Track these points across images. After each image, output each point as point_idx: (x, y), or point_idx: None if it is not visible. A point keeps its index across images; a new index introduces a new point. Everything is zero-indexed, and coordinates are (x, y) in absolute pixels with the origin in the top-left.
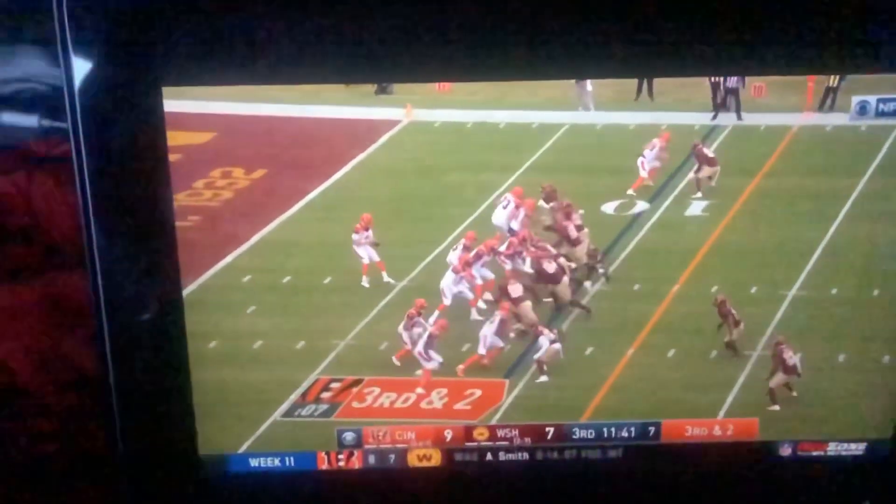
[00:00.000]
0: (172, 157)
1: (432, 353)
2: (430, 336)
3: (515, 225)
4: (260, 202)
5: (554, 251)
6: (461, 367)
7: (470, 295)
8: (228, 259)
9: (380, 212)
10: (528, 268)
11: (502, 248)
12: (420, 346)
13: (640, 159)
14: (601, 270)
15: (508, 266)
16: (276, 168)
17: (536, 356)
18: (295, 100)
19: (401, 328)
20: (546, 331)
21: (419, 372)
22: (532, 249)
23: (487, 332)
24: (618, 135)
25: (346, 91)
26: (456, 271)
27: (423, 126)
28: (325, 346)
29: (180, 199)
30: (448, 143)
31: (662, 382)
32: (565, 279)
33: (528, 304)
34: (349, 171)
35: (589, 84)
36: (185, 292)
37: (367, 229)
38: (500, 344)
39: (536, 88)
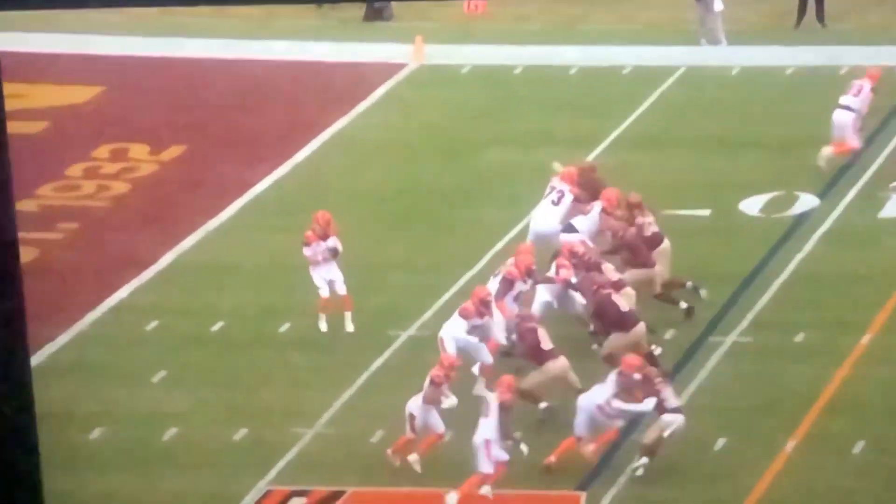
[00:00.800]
0: (26, 127)
1: (502, 448)
2: (504, 409)
3: (582, 225)
4: (174, 200)
5: (616, 276)
6: (553, 458)
7: (487, 357)
8: (122, 294)
9: (372, 215)
10: (581, 300)
11: (550, 272)
12: (490, 431)
13: (846, 117)
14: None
15: (539, 306)
16: (201, 143)
17: (640, 411)
18: (232, 32)
19: (415, 404)
20: (670, 390)
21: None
22: (585, 273)
23: (604, 395)
24: (767, 83)
25: (314, 17)
26: (467, 315)
27: (442, 72)
28: (281, 437)
29: (42, 194)
30: (483, 99)
31: (844, 494)
32: (641, 326)
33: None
34: (321, 147)
35: (718, 1)
36: (42, 351)
37: (324, 238)
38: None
39: (631, 9)
